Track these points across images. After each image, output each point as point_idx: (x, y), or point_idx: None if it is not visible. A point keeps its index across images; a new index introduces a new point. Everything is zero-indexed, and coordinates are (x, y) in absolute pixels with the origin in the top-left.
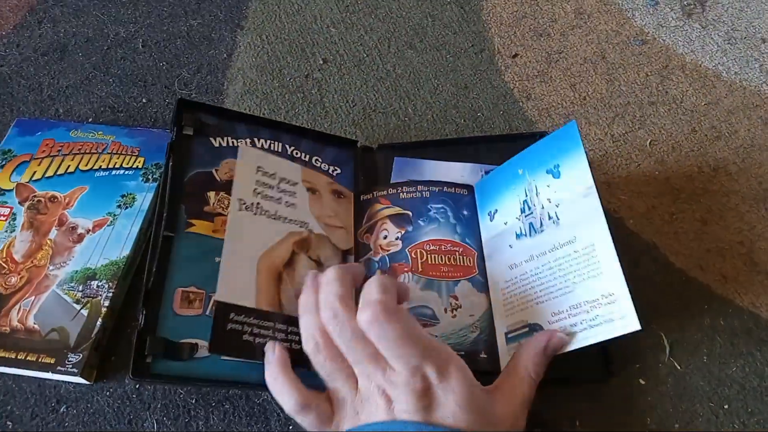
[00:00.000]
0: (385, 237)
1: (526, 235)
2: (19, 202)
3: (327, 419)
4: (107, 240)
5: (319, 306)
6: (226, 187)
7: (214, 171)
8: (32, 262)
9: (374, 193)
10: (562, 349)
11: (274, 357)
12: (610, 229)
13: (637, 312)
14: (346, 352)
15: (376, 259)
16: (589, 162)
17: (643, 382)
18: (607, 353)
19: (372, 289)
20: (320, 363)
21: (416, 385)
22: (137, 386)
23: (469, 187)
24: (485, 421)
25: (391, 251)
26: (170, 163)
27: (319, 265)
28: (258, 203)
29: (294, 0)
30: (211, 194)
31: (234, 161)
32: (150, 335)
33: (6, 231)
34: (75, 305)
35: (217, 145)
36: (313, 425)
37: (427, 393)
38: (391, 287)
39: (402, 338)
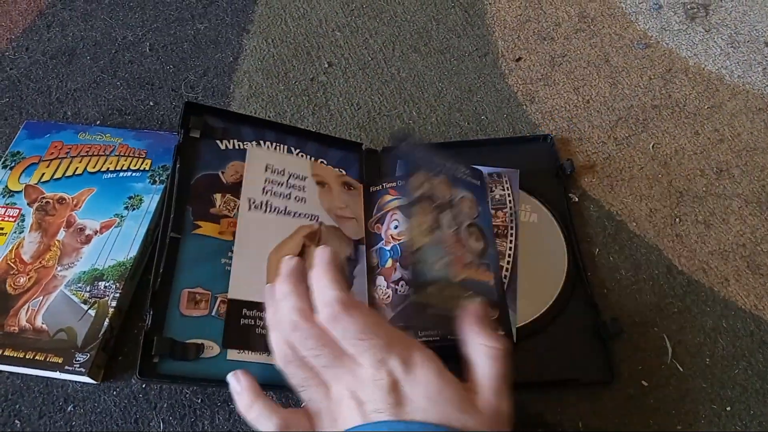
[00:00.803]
0: (396, 227)
1: None
2: (27, 204)
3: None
4: (114, 241)
5: (280, 322)
6: (232, 189)
7: (220, 173)
8: (41, 262)
9: (383, 184)
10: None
11: (242, 386)
12: None
13: None
14: (314, 360)
15: (388, 248)
16: None
17: (645, 383)
18: (611, 355)
19: (324, 288)
20: (291, 374)
21: (383, 381)
22: (144, 386)
23: (480, 174)
24: (460, 411)
25: (402, 240)
26: (177, 166)
27: None
28: (267, 201)
29: (300, 4)
30: (217, 196)
31: (240, 163)
32: (157, 335)
33: (15, 232)
34: (83, 305)
35: (223, 147)
36: None
37: (395, 388)
38: (341, 278)
39: (364, 330)
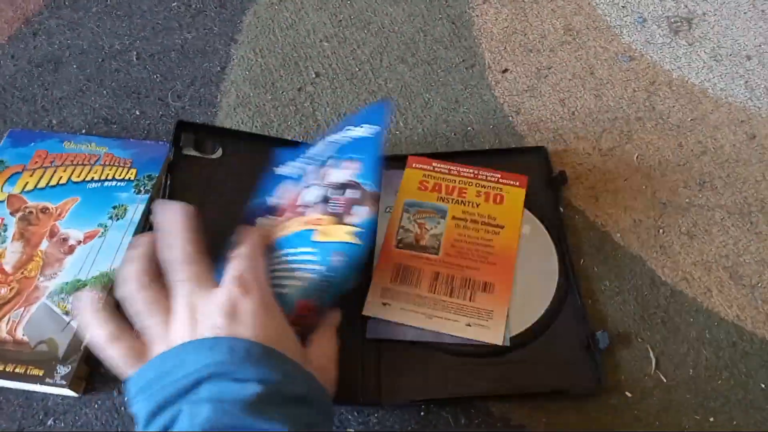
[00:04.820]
0: None
1: None
2: (10, 213)
3: (139, 355)
4: (98, 251)
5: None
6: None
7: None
8: (22, 273)
9: None
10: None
11: (83, 304)
12: None
13: None
14: (172, 275)
15: None
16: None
17: (629, 394)
18: (599, 367)
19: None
20: (141, 298)
21: (225, 302)
22: (126, 399)
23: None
24: (285, 338)
25: None
26: (168, 182)
27: None
28: None
29: (288, 14)
30: None
31: None
32: None
33: None
34: (65, 317)
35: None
36: (124, 358)
37: (233, 310)
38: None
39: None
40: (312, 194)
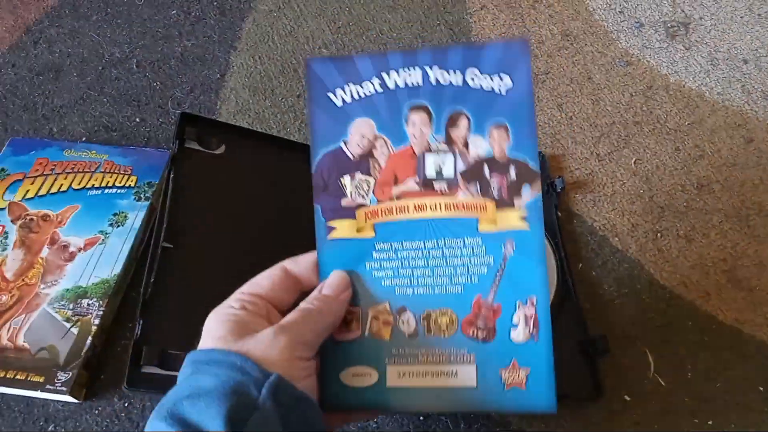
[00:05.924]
0: None
1: None
2: (11, 221)
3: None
4: (98, 258)
5: None
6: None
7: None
8: (23, 280)
9: None
10: None
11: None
12: None
13: None
14: None
15: None
16: None
17: (628, 398)
18: (598, 372)
19: None
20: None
21: None
22: (126, 404)
23: None
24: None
25: None
26: (171, 176)
27: None
28: None
29: (287, 21)
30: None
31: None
32: (146, 345)
33: None
34: (65, 323)
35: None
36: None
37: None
38: None
39: None
40: (448, 166)
